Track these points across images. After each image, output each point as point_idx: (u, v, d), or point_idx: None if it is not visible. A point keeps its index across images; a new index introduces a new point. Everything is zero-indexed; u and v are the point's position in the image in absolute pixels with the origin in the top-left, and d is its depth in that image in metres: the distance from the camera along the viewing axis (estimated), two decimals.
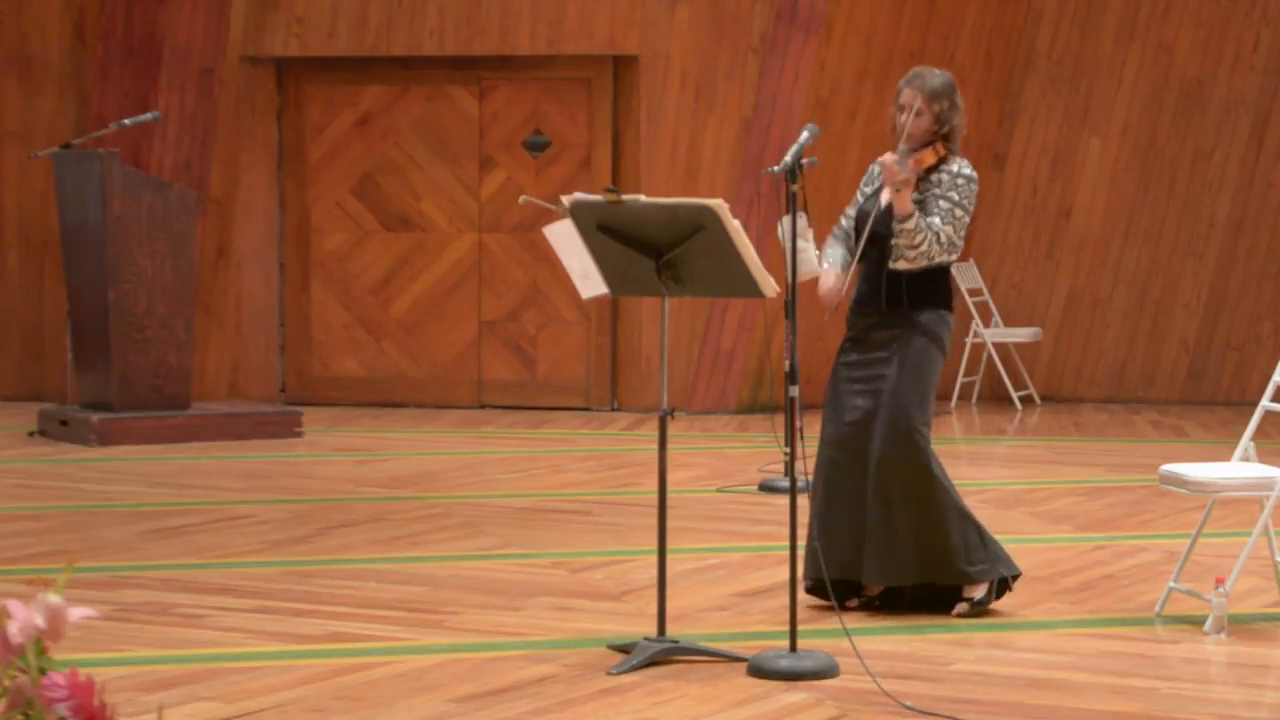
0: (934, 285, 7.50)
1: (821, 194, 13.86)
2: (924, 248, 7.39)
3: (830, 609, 7.28)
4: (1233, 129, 15.45)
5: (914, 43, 14.90)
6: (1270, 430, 12.54)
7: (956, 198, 7.47)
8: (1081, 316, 15.80)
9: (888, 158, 7.45)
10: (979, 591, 7.48)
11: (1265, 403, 7.61)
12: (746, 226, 7.17)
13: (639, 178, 14.40)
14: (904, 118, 7.54)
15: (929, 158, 7.52)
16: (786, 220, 6.80)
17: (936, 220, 7.42)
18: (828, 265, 7.61)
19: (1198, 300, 15.59)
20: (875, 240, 7.51)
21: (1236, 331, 15.51)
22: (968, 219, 7.51)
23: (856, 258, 7.56)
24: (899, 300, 7.48)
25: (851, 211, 7.71)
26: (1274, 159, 15.41)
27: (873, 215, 7.53)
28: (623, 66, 14.66)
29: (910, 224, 7.36)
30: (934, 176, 7.51)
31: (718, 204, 6.56)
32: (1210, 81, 15.46)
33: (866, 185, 7.76)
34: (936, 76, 7.58)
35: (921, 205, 7.46)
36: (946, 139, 7.55)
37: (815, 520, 7.44)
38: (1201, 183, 15.55)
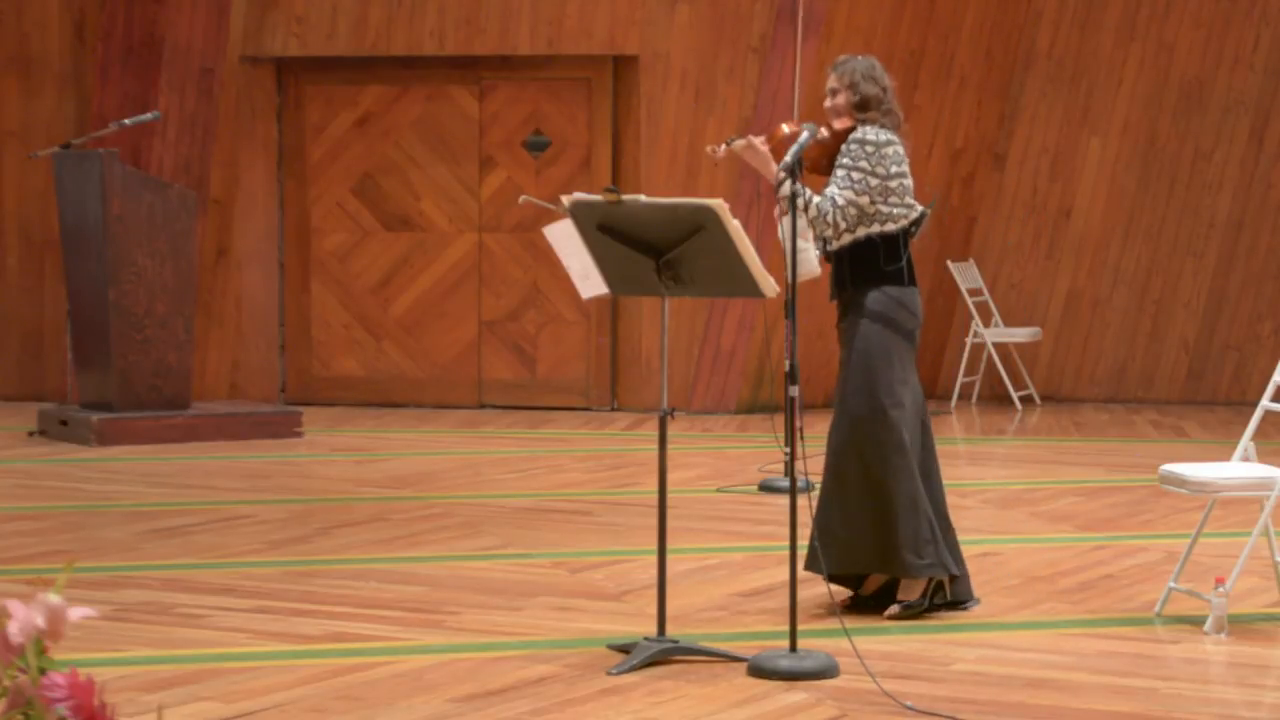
0: (870, 260, 7.43)
1: None
2: (814, 215, 7.39)
3: (830, 610, 7.29)
4: (1233, 129, 15.45)
5: (914, 43, 14.90)
6: (1270, 430, 12.54)
7: (849, 161, 7.43)
8: (1081, 316, 15.81)
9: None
10: (913, 594, 7.45)
11: (1265, 403, 7.61)
12: (746, 226, 7.17)
13: (639, 178, 14.40)
14: (826, 102, 7.67)
15: (844, 124, 7.56)
16: (786, 220, 6.80)
17: (832, 188, 7.43)
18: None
19: (1198, 300, 15.59)
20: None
21: (1236, 331, 15.52)
22: (875, 181, 7.39)
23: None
24: (843, 282, 7.51)
25: None
26: (1274, 159, 15.41)
27: None
28: (623, 66, 14.67)
29: (782, 191, 7.39)
30: (841, 146, 7.54)
31: (718, 204, 6.56)
32: (1210, 81, 15.46)
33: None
34: (853, 58, 7.68)
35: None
36: (860, 108, 7.54)
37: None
38: (1201, 183, 15.55)
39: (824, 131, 7.55)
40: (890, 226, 7.44)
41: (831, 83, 7.63)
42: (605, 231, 6.76)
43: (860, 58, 7.68)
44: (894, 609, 7.44)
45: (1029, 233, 15.89)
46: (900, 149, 7.50)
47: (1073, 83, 15.70)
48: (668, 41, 14.47)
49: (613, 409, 14.83)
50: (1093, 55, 15.66)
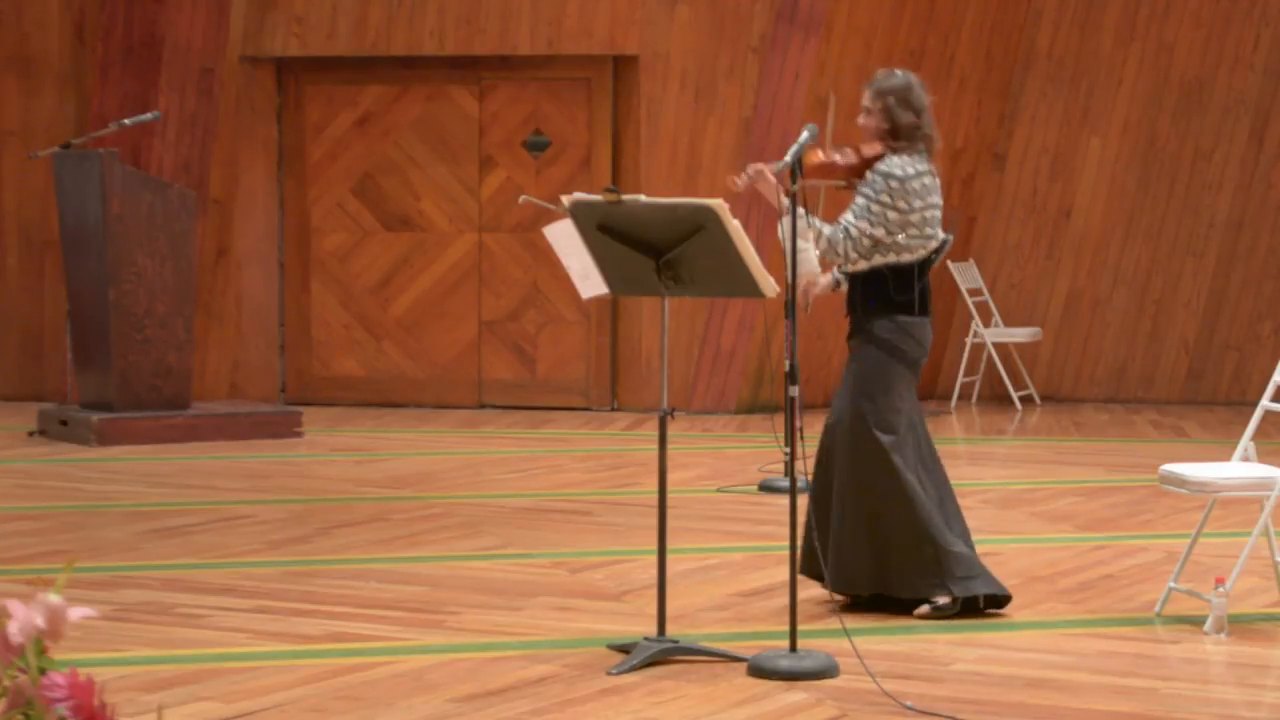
0: (883, 288, 7.44)
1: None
2: (823, 246, 7.39)
3: (830, 609, 7.29)
4: (1233, 129, 15.45)
5: (914, 43, 14.90)
6: (1270, 430, 12.54)
7: (870, 193, 7.40)
8: (1081, 316, 15.81)
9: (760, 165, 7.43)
10: (943, 598, 7.44)
11: (1265, 403, 7.61)
12: (746, 226, 7.17)
13: (639, 178, 14.40)
14: (859, 118, 7.60)
15: (873, 150, 7.53)
16: (786, 220, 6.80)
17: (848, 216, 7.41)
18: None
19: (1198, 300, 15.59)
20: None
21: (1236, 331, 15.51)
22: (895, 215, 7.37)
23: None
24: (855, 305, 7.53)
25: None
26: (1274, 159, 15.41)
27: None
28: (623, 66, 14.66)
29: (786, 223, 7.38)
30: (867, 174, 7.52)
31: (718, 204, 6.56)
32: (1210, 81, 15.46)
33: None
34: (892, 76, 7.61)
35: None
36: (892, 136, 7.51)
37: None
38: (1201, 183, 15.54)
39: (850, 150, 7.53)
40: (906, 257, 7.42)
41: (865, 101, 7.56)
42: (605, 231, 6.75)
43: (899, 77, 7.60)
44: (924, 609, 7.42)
45: (1029, 233, 15.89)
46: (929, 179, 7.45)
47: (1073, 83, 15.70)
48: (668, 41, 14.47)
49: (613, 409, 14.83)
50: (1093, 55, 15.66)
